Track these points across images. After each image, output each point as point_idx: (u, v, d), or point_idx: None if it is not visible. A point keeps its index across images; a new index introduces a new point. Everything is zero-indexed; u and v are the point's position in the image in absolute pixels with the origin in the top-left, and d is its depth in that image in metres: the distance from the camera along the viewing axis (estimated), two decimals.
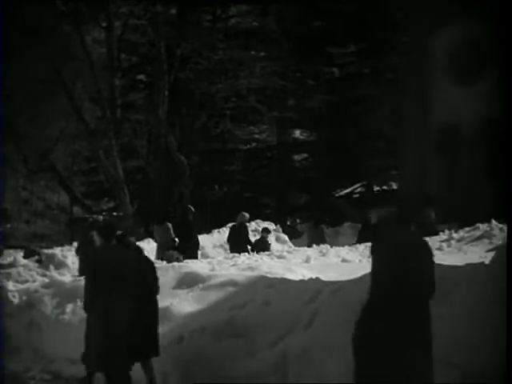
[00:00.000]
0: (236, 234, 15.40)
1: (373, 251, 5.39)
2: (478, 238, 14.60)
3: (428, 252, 5.30)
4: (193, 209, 15.99)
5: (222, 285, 8.20)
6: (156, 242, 15.41)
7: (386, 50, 33.35)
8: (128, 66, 29.08)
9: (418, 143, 30.49)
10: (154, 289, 6.92)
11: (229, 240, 15.57)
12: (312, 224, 19.86)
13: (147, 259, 7.31)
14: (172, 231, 15.18)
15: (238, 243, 14.79)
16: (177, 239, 14.95)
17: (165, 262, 10.90)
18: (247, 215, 16.40)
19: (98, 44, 27.10)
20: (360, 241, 15.43)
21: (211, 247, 17.09)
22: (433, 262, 5.26)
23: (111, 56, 25.74)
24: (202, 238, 16.31)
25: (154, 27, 25.65)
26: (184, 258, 11.89)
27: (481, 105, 29.33)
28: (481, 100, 29.31)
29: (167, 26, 26.07)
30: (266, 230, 16.24)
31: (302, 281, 7.91)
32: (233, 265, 10.32)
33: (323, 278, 7.86)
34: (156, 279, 6.97)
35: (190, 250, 14.21)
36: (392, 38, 33.23)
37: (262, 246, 14.71)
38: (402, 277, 5.10)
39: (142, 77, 30.02)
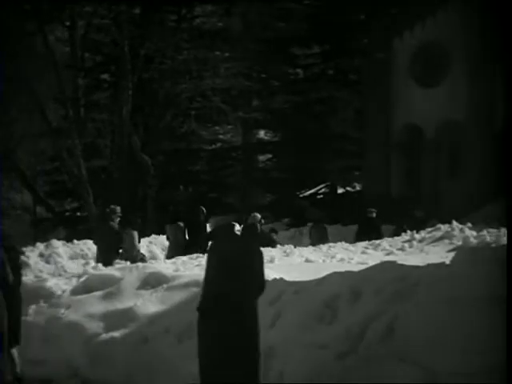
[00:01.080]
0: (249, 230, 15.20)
1: (208, 257, 5.99)
2: (439, 239, 14.82)
3: (257, 255, 5.82)
4: (204, 210, 16.49)
5: (186, 285, 8.19)
6: (168, 240, 15.97)
7: (349, 51, 33.58)
8: (92, 65, 28.91)
9: (382, 144, 30.74)
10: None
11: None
12: (314, 223, 20.30)
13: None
14: (184, 230, 15.78)
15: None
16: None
17: (129, 262, 10.89)
18: (259, 216, 16.82)
19: (62, 43, 26.92)
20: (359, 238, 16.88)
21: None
22: (262, 265, 5.79)
23: (75, 55, 25.59)
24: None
25: (117, 26, 25.53)
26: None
27: (443, 106, 29.70)
28: (443, 101, 29.67)
29: (131, 26, 25.98)
30: (273, 230, 17.56)
31: (265, 281, 7.93)
32: (197, 265, 10.33)
33: (287, 278, 7.90)
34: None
35: (201, 247, 14.00)
36: (355, 39, 33.49)
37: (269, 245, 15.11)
38: (231, 278, 5.62)
39: (105, 76, 29.83)
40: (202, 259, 11.52)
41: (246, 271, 5.70)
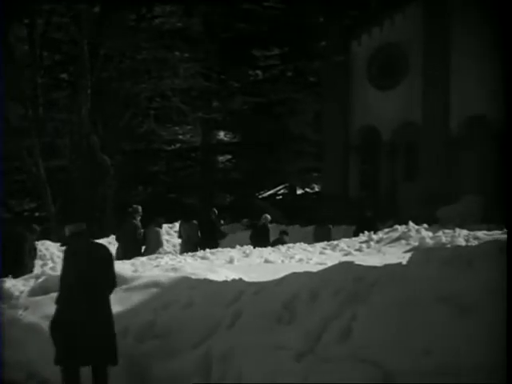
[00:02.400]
0: (259, 234, 17.75)
1: (65, 257, 6.93)
2: (396, 240, 14.99)
3: (108, 256, 7.02)
4: (216, 210, 19.17)
5: (146, 286, 8.19)
6: (181, 238, 17.62)
7: (308, 53, 33.77)
8: (51, 64, 28.65)
9: (340, 146, 30.96)
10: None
11: (251, 238, 17.41)
12: (318, 224, 20.78)
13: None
14: (197, 228, 17.52)
15: (260, 241, 16.34)
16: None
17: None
18: (269, 217, 19.17)
19: (21, 41, 26.62)
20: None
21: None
22: (112, 264, 6.96)
23: (34, 54, 25.32)
24: None
25: (77, 25, 25.36)
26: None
27: (400, 108, 30.01)
28: (400, 104, 29.98)
29: (90, 25, 25.80)
30: (284, 232, 18.19)
31: (225, 282, 7.97)
32: (156, 266, 10.31)
33: (246, 278, 7.94)
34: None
35: (213, 243, 16.20)
36: (314, 42, 33.68)
37: (279, 244, 15.86)
38: (85, 275, 6.70)
39: (64, 75, 29.61)
40: (162, 260, 11.53)
41: (100, 271, 6.82)
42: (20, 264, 12.16)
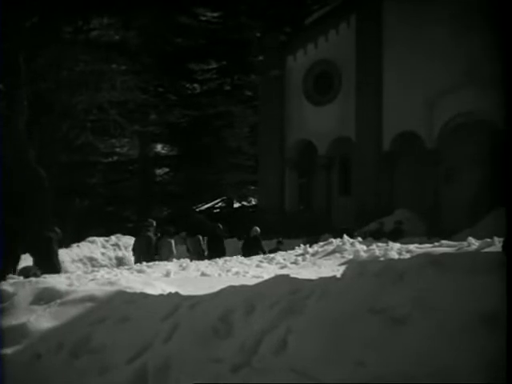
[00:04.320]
0: (251, 245, 19.63)
1: None
2: (331, 253, 15.19)
3: None
4: (221, 226, 20.84)
5: (81, 300, 8.10)
6: (187, 251, 19.16)
7: (245, 67, 33.94)
8: None
9: (276, 159, 31.20)
10: None
11: (243, 249, 19.41)
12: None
13: None
14: (202, 242, 19.44)
15: (252, 252, 17.74)
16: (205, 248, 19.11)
17: (22, 277, 10.68)
18: (258, 229, 21.01)
19: None
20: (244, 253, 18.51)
21: (70, 262, 16.93)
22: None
23: None
24: (61, 253, 16.12)
25: (13, 36, 24.98)
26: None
27: (334, 123, 30.41)
28: (334, 119, 30.38)
29: (27, 35, 25.47)
30: (279, 242, 20.48)
31: (161, 295, 7.95)
32: (92, 279, 10.22)
33: (182, 292, 7.94)
34: None
35: (220, 255, 17.08)
36: (251, 56, 33.89)
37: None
38: None
39: (0, 86, 29.10)
40: (97, 274, 11.43)
41: None
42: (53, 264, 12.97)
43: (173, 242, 18.45)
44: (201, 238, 19.83)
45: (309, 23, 33.02)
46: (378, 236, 23.44)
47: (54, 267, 12.80)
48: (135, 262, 15.84)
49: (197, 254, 18.30)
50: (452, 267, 5.42)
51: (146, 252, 16.79)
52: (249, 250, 18.71)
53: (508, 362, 4.36)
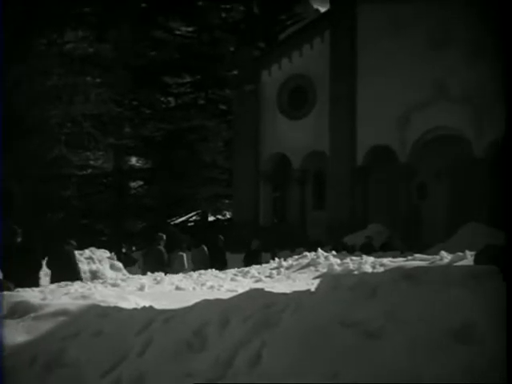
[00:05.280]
0: (253, 257, 20.36)
1: None
2: (306, 266, 15.24)
3: None
4: (222, 238, 22.01)
5: (54, 314, 8.06)
6: (192, 261, 20.10)
7: (220, 82, 34.03)
8: None
9: (250, 173, 31.24)
10: None
11: (245, 261, 20.20)
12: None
13: None
14: (206, 252, 20.59)
15: (253, 264, 17.92)
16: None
17: None
18: (258, 241, 22.26)
19: None
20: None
21: (43, 275, 16.81)
22: None
23: None
24: None
25: None
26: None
27: (309, 138, 30.53)
28: (309, 133, 30.51)
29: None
30: (274, 253, 21.96)
31: (135, 309, 7.93)
32: (65, 293, 10.17)
33: (157, 306, 7.93)
34: None
35: (221, 266, 18.18)
36: (226, 70, 34.00)
37: None
38: None
39: None
40: (71, 288, 11.37)
41: None
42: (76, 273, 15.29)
43: (184, 255, 19.45)
44: (206, 248, 20.98)
45: (283, 38, 33.21)
46: (352, 250, 23.56)
47: (78, 275, 15.09)
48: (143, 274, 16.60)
49: (203, 265, 18.85)
50: (425, 281, 5.48)
51: (157, 265, 17.06)
52: (250, 263, 19.16)
53: (508, 362, 4.40)
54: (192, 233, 31.24)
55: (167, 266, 17.68)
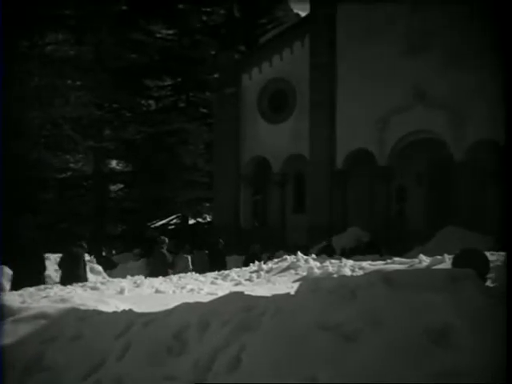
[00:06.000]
0: (252, 261, 19.90)
1: None
2: (285, 269, 15.26)
3: None
4: (222, 241, 22.87)
5: (33, 317, 8.02)
6: (193, 264, 20.44)
7: (200, 85, 34.02)
8: None
9: (231, 176, 31.24)
10: None
11: (245, 264, 20.19)
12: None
13: None
14: (206, 255, 21.61)
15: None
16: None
17: None
18: (258, 245, 23.35)
19: None
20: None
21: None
22: None
23: None
24: None
25: None
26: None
27: (289, 141, 30.59)
28: (289, 136, 30.56)
29: None
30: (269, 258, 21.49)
31: (114, 313, 7.91)
32: (45, 297, 10.14)
33: (136, 309, 7.92)
34: None
35: (221, 268, 18.38)
36: (206, 73, 33.98)
37: None
38: None
39: None
40: (50, 291, 11.33)
41: None
42: (78, 276, 15.53)
43: (189, 258, 20.27)
44: (206, 252, 21.96)
45: (264, 42, 33.26)
46: (331, 253, 23.66)
47: (83, 278, 15.57)
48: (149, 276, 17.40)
49: (201, 268, 19.29)
50: (404, 284, 5.52)
51: (161, 267, 17.90)
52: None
53: (508, 362, 4.42)
54: (171, 236, 31.20)
55: (171, 267, 18.44)
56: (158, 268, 17.97)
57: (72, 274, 15.59)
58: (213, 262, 21.06)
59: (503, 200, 22.84)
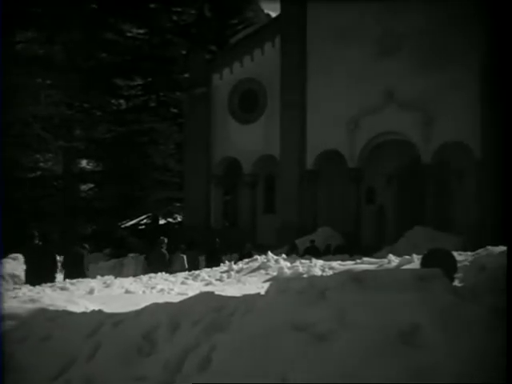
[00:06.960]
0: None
1: None
2: (256, 269, 15.30)
3: None
4: (218, 240, 23.62)
5: (2, 318, 7.98)
6: (188, 263, 20.58)
7: (171, 84, 33.92)
8: None
9: (201, 177, 31.20)
10: None
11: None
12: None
13: None
14: (198, 255, 22.06)
15: None
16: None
17: None
18: (250, 245, 24.36)
19: None
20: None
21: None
22: None
23: None
24: None
25: None
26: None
27: (259, 142, 30.63)
28: (259, 137, 30.61)
29: None
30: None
31: (84, 313, 7.88)
32: (14, 297, 10.07)
33: (106, 309, 7.90)
34: None
35: (216, 265, 18.59)
36: (177, 73, 33.89)
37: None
38: None
39: None
40: (19, 291, 11.25)
41: None
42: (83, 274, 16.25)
43: (185, 257, 20.49)
44: (197, 252, 22.29)
45: (235, 42, 33.27)
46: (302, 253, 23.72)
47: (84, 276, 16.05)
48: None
49: (193, 267, 19.72)
50: (373, 284, 5.56)
51: (160, 266, 18.31)
52: None
53: (508, 362, 4.43)
54: (140, 236, 31.10)
55: (168, 266, 18.92)
56: (158, 267, 18.26)
57: (76, 272, 16.27)
58: (209, 261, 21.73)
59: (503, 200, 23.15)
